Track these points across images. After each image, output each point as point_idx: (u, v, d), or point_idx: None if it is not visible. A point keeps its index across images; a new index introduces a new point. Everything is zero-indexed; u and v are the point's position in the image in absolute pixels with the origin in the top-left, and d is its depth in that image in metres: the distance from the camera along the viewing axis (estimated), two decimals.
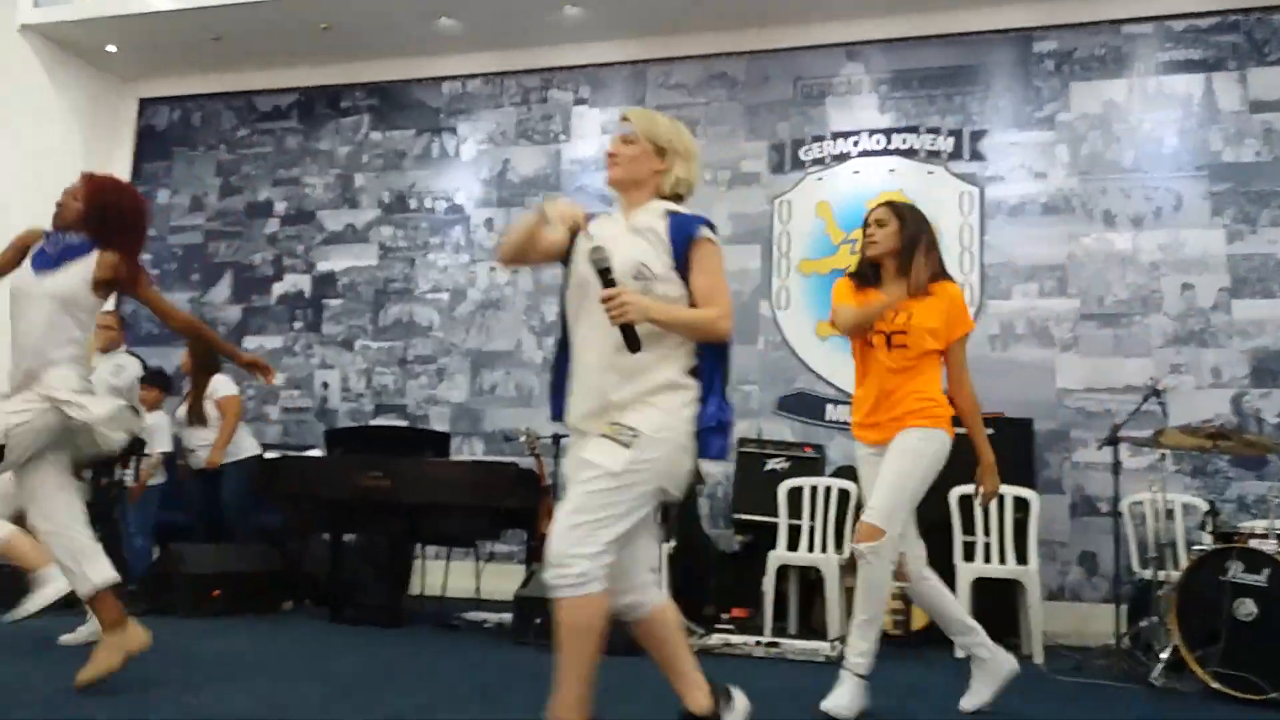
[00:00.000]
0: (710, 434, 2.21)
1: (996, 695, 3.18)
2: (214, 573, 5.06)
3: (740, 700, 2.35)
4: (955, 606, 3.26)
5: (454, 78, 7.41)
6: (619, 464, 2.11)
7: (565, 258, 2.36)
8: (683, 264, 2.26)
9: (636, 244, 2.27)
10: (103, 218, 3.20)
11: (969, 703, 3.19)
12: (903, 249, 3.20)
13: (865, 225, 3.28)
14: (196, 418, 5.52)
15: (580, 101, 7.13)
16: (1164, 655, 3.87)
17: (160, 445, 6.03)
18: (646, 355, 2.18)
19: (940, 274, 3.25)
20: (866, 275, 3.27)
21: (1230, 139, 5.83)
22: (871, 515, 3.05)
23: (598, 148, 7.01)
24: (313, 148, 7.65)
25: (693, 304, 2.27)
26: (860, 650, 3.08)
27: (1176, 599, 3.80)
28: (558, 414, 2.36)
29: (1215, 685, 3.62)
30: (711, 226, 2.31)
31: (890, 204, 3.30)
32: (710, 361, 2.28)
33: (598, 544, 2.07)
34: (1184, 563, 4.00)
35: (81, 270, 3.16)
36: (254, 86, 7.83)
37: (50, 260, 3.18)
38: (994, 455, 3.22)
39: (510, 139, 7.22)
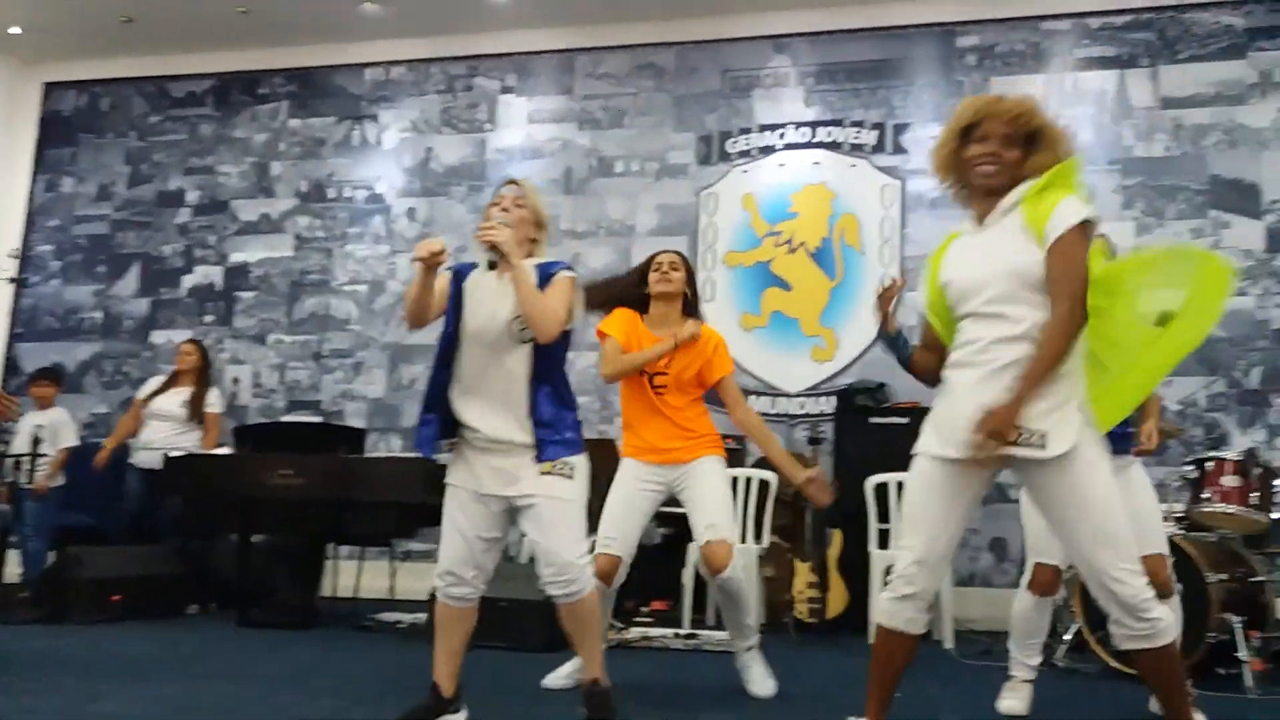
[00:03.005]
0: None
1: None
2: (113, 576, 4.86)
3: None
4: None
5: (376, 64, 7.25)
6: (575, 493, 2.65)
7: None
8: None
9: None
10: None
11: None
12: (687, 295, 3.38)
13: (656, 267, 3.36)
14: (197, 416, 5.62)
15: (507, 90, 7.01)
16: (1067, 637, 3.95)
17: (64, 441, 5.79)
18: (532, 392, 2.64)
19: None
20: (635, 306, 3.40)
21: (1141, 134, 5.95)
22: (718, 530, 3.23)
23: (524, 137, 6.91)
24: (228, 135, 7.43)
25: None
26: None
27: (1080, 583, 3.85)
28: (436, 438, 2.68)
29: (1114, 664, 3.73)
30: (571, 268, 2.71)
31: (679, 253, 3.46)
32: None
33: (585, 551, 2.67)
34: None
35: None
36: (167, 71, 7.58)
37: None
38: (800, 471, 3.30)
39: (434, 127, 7.08)
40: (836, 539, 5.13)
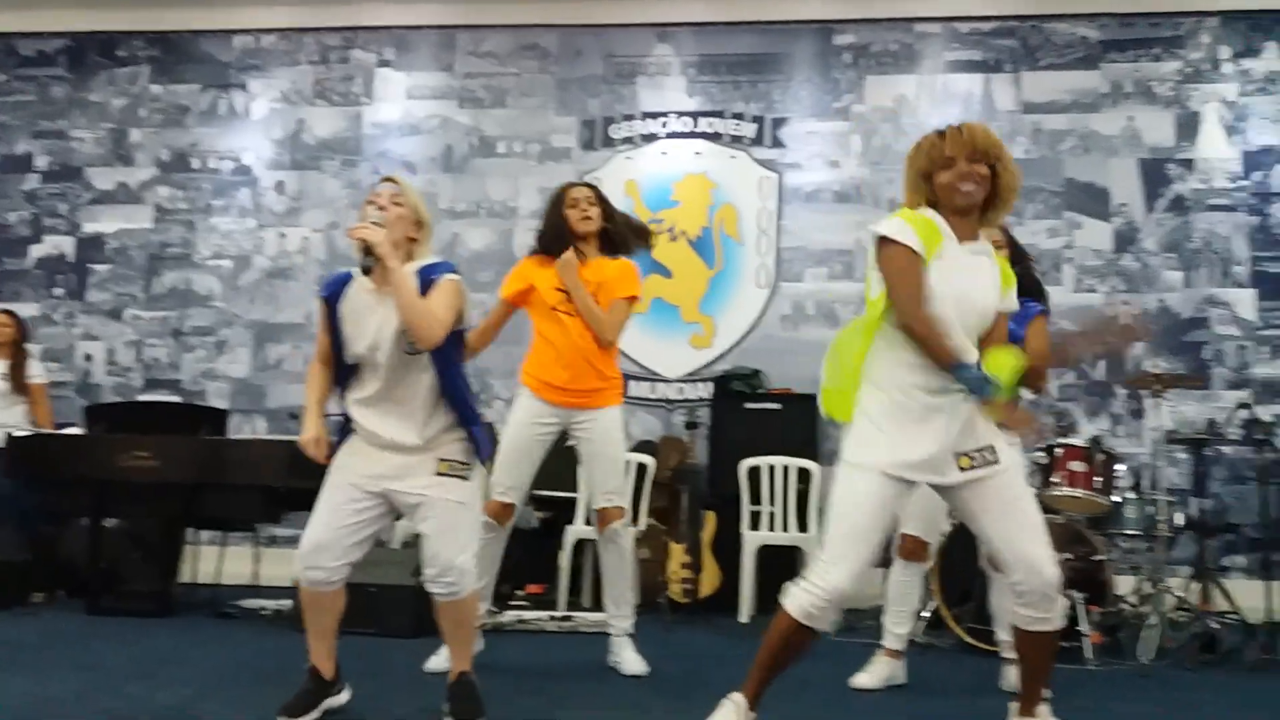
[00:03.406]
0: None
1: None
2: None
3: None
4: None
5: (246, 31, 6.92)
6: (468, 495, 2.64)
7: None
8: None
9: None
10: None
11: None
12: (608, 230, 3.43)
13: (572, 204, 3.39)
14: (20, 388, 5.29)
15: (384, 64, 6.82)
16: (925, 614, 4.11)
17: None
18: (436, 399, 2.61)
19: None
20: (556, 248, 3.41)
21: (1004, 137, 6.03)
22: (615, 499, 3.37)
23: (402, 113, 6.74)
24: (82, 99, 6.98)
25: None
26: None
27: (939, 561, 4.03)
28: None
29: (968, 640, 3.93)
30: (455, 270, 2.62)
31: (592, 186, 3.53)
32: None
33: (472, 554, 2.64)
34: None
35: None
36: (14, 28, 7.04)
37: None
38: None
39: (307, 98, 6.83)
40: (710, 521, 5.22)
